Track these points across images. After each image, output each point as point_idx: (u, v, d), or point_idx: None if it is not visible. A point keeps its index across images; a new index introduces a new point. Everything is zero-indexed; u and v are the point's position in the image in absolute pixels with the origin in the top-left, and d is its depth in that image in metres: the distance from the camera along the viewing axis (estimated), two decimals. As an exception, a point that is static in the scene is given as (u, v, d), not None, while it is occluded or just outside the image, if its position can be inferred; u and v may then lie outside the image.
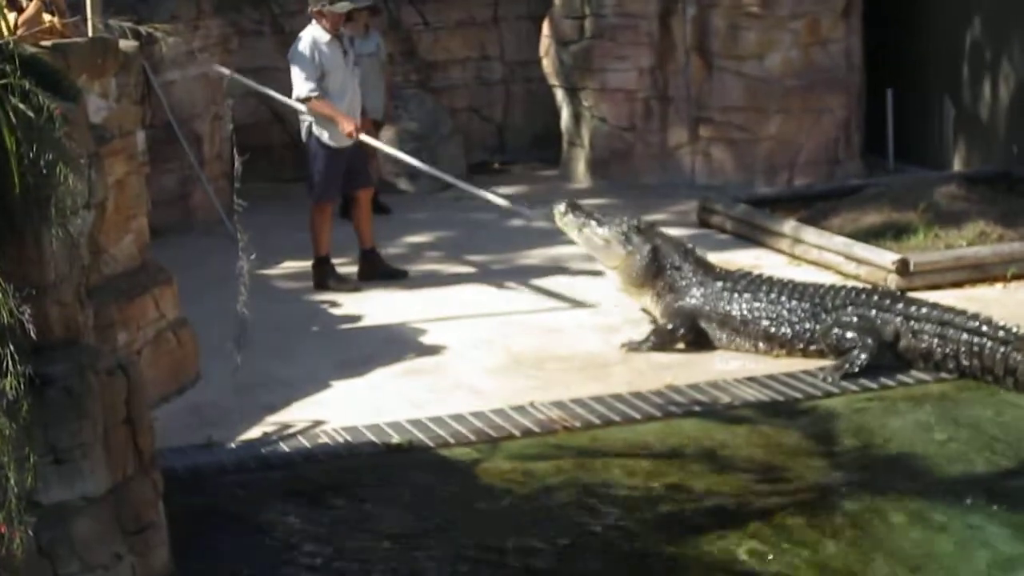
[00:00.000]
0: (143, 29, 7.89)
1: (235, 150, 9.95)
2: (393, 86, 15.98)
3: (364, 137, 12.51)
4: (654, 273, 10.94)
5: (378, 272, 12.68)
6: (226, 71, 14.20)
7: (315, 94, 12.16)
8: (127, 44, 10.05)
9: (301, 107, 12.36)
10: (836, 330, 10.11)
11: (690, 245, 11.20)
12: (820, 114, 15.80)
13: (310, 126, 12.33)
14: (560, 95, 16.89)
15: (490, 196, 12.81)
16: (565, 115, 16.88)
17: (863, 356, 9.92)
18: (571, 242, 12.09)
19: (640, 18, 16.07)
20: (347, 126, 12.16)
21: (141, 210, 10.04)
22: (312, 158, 12.42)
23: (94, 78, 9.34)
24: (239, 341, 9.71)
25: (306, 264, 12.67)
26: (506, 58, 18.11)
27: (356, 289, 12.40)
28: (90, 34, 9.40)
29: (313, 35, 12.25)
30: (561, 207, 11.62)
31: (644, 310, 11.12)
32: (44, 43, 8.26)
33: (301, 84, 12.25)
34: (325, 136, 12.28)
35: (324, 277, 12.50)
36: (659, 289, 10.91)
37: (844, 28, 15.81)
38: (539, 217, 12.85)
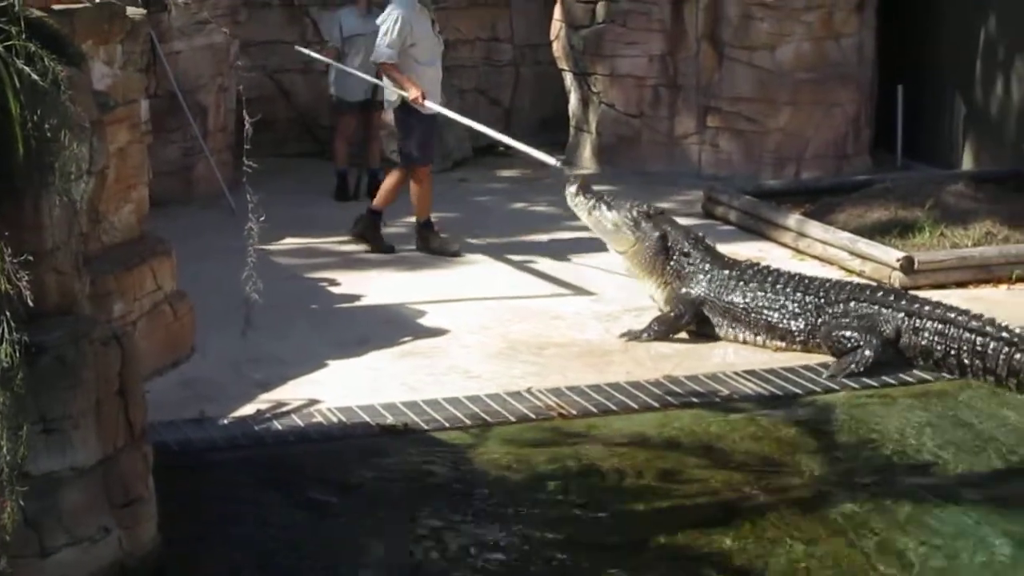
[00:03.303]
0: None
1: (245, 112, 9.86)
2: None
3: (430, 104, 12.73)
4: (663, 259, 10.86)
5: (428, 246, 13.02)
6: (304, 50, 14.52)
7: (391, 60, 12.50)
8: (134, 11, 9.98)
9: (373, 80, 13.09)
10: (836, 332, 10.01)
11: (700, 233, 11.12)
12: (830, 108, 15.71)
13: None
14: (569, 79, 16.80)
15: (534, 152, 12.65)
16: (573, 100, 16.79)
17: (868, 354, 9.83)
18: (573, 228, 11.98)
19: (652, 4, 15.98)
20: (413, 92, 12.47)
21: (142, 180, 9.97)
22: (410, 126, 12.70)
23: (99, 44, 9.26)
24: (248, 318, 9.58)
25: (306, 240, 12.64)
26: (516, 40, 17.98)
27: (457, 254, 12.74)
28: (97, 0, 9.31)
29: (407, 2, 12.61)
30: (572, 188, 11.53)
31: (651, 296, 11.02)
32: (50, 7, 8.18)
33: (383, 50, 12.57)
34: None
35: (429, 241, 12.88)
36: (667, 276, 10.82)
37: (857, 22, 15.72)
38: (571, 177, 12.65)
